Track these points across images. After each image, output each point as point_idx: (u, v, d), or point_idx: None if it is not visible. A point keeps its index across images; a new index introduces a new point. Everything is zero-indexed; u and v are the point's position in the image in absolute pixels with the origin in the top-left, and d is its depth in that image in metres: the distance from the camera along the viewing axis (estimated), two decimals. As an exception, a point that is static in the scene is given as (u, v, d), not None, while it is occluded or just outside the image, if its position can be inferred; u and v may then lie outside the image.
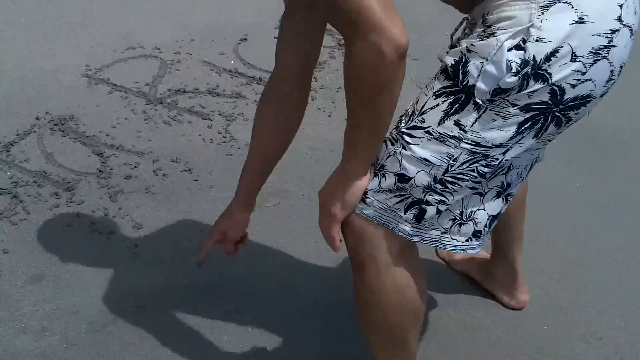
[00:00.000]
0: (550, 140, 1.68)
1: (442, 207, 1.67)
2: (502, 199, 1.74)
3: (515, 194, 1.78)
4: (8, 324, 2.29)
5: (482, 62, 1.53)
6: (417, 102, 1.66)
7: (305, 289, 2.52)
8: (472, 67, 1.54)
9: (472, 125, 1.57)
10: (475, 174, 1.63)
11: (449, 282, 2.60)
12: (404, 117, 1.68)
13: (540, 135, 1.60)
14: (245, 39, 3.94)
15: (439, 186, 1.63)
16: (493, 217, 1.75)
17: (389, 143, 1.67)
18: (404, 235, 1.71)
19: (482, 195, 1.70)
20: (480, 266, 2.57)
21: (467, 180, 1.64)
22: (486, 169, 1.62)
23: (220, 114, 3.35)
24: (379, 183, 1.68)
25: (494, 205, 1.74)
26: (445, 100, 1.59)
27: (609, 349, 2.41)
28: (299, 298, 2.48)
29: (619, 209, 3.07)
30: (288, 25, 1.96)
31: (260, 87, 3.54)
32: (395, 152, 1.65)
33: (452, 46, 1.66)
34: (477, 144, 1.58)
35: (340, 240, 1.77)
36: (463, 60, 1.56)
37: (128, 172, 2.95)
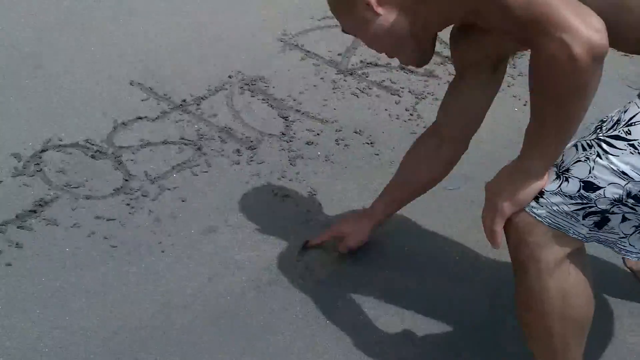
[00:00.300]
0: None
1: (630, 217, 1.55)
2: None
3: None
4: (176, 270, 2.34)
5: None
6: (624, 111, 1.54)
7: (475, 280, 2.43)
8: None
9: None
10: None
11: (633, 294, 2.42)
12: (605, 124, 1.57)
13: None
14: (444, 19, 3.86)
15: (631, 201, 1.52)
16: None
17: (580, 148, 1.57)
18: (579, 238, 1.60)
19: None
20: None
21: None
22: None
23: (410, 91, 3.29)
24: (559, 186, 1.58)
25: None
26: None
27: None
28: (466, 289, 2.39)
29: None
30: (455, 93, 2.06)
31: (454, 68, 3.46)
32: (587, 158, 1.55)
33: None
34: None
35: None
36: None
37: (310, 138, 2.94)
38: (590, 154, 1.54)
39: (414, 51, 1.87)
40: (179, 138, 2.87)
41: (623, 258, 2.49)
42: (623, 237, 1.61)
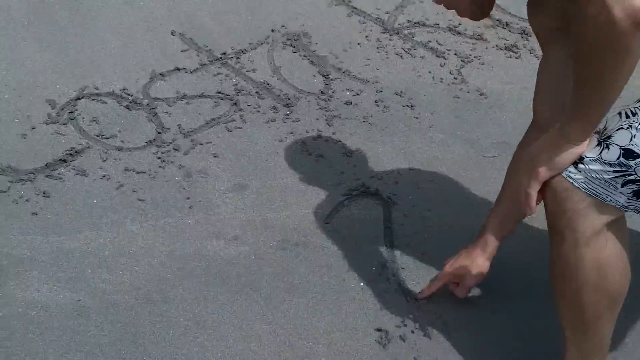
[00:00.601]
0: None
1: None
2: None
3: None
4: (204, 227, 2.31)
5: None
6: None
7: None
8: None
9: None
10: None
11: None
12: None
13: None
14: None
15: None
16: None
17: (623, 115, 1.56)
18: (616, 206, 1.56)
19: None
20: None
21: None
22: None
23: (456, 54, 3.20)
24: (600, 153, 1.55)
25: None
26: None
27: None
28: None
29: None
30: (543, 74, 2.00)
31: (506, 32, 3.35)
32: (630, 126, 1.53)
33: None
34: None
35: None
36: None
37: (349, 98, 2.88)
38: (633, 121, 1.53)
39: (472, 3, 1.85)
40: (216, 92, 2.83)
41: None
42: None
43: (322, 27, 3.23)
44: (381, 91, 2.94)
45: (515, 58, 3.22)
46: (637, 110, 1.55)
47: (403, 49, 3.19)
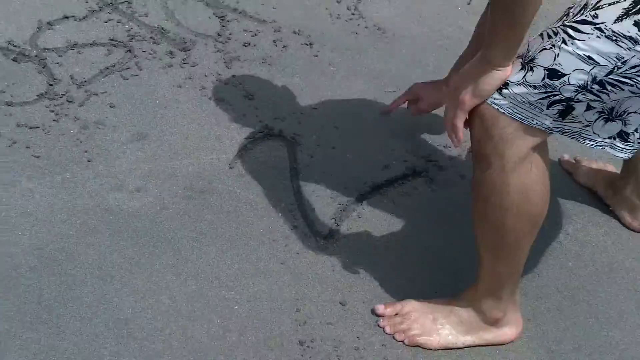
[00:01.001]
0: None
1: (594, 104, 1.55)
2: None
3: None
4: (104, 180, 2.24)
5: None
6: None
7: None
8: None
9: None
10: None
11: (569, 195, 2.39)
12: (572, 9, 1.57)
13: None
14: None
15: (596, 87, 1.51)
16: None
17: (545, 36, 1.56)
18: (542, 128, 1.58)
19: None
20: (606, 181, 2.36)
21: (632, 85, 1.50)
22: None
23: (352, -11, 3.17)
24: (524, 76, 1.56)
25: None
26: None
27: None
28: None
29: None
30: None
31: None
32: (553, 45, 1.53)
33: None
34: None
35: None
36: None
37: (247, 39, 2.82)
38: (556, 41, 1.53)
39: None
40: (108, 39, 2.73)
41: (559, 160, 2.46)
42: (587, 126, 1.59)
43: (214, -33, 3.15)
44: (279, 30, 2.89)
45: (412, -9, 3.22)
46: (558, 29, 1.54)
47: (299, -14, 3.14)
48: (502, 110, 1.58)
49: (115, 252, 2.05)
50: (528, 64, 1.56)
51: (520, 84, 1.56)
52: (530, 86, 1.55)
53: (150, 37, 2.75)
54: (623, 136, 1.60)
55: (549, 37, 1.55)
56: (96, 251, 2.05)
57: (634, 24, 1.45)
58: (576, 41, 1.50)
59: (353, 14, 3.04)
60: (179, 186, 2.26)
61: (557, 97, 1.54)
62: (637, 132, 1.60)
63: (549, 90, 1.54)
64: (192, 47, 2.74)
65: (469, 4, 3.18)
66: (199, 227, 2.15)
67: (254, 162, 2.36)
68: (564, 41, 1.52)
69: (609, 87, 1.50)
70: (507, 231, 1.72)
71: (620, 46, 1.46)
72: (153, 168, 2.30)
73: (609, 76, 1.49)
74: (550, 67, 1.53)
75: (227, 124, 2.47)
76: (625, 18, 1.46)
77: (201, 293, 1.98)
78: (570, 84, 1.51)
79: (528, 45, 1.59)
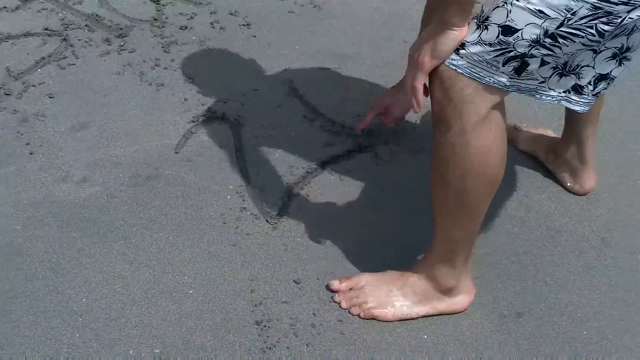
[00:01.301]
0: None
1: (548, 59, 1.58)
2: (617, 60, 1.63)
3: (631, 59, 1.64)
4: (48, 172, 2.22)
5: None
6: None
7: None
8: None
9: None
10: (593, 31, 1.51)
11: (511, 162, 2.43)
12: None
13: None
14: None
15: (548, 40, 1.53)
16: (600, 76, 1.65)
17: None
18: (499, 86, 1.61)
19: (595, 52, 1.60)
20: (547, 145, 2.41)
21: (583, 37, 1.53)
22: (606, 27, 1.51)
23: (286, -32, 3.17)
24: (479, 35, 1.58)
25: (605, 65, 1.63)
26: None
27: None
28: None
29: None
30: None
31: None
32: (505, 2, 1.55)
33: None
34: None
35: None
36: None
37: (184, 23, 2.81)
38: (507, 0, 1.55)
39: None
40: (43, 29, 2.70)
41: (514, 145, 2.50)
42: (542, 82, 1.63)
43: (145, -49, 3.12)
44: (215, 12, 2.88)
45: (344, -33, 3.22)
46: None
47: (232, -34, 3.13)
48: (460, 71, 1.61)
49: (64, 243, 2.04)
50: (483, 23, 1.58)
51: (476, 43, 1.58)
52: (485, 44, 1.57)
53: (86, 25, 2.72)
54: (577, 89, 1.65)
55: None
56: (45, 244, 2.03)
57: None
58: None
59: (288, -7, 3.05)
60: (125, 174, 2.25)
61: (512, 54, 1.57)
62: (590, 85, 1.66)
63: (503, 47, 1.56)
64: (129, 33, 2.72)
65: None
66: (148, 214, 2.14)
67: (199, 146, 2.36)
68: None
69: (560, 40, 1.53)
70: (467, 193, 1.75)
71: None
72: (97, 157, 2.28)
73: (560, 29, 1.52)
74: (503, 23, 1.55)
75: (170, 109, 2.47)
76: None
77: (155, 280, 1.97)
78: (523, 38, 1.54)
79: (482, 7, 1.62)
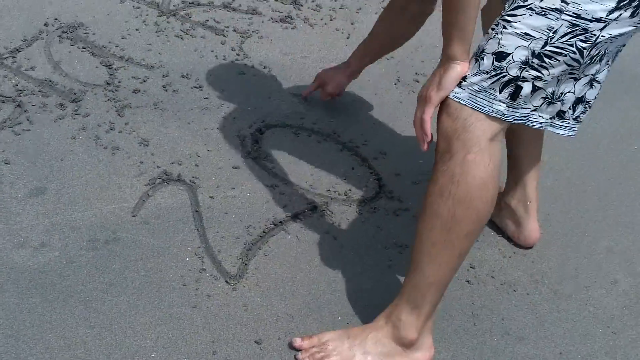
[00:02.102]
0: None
1: (538, 84, 1.75)
2: (590, 84, 1.84)
3: (601, 81, 1.86)
4: (6, 238, 2.22)
5: None
6: None
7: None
8: None
9: None
10: (573, 49, 1.71)
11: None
12: (507, 3, 1.78)
13: (636, 13, 1.69)
14: (264, -47, 3.78)
15: (536, 61, 1.72)
16: (577, 100, 1.84)
17: (490, 30, 1.78)
18: (498, 115, 1.76)
19: (576, 80, 1.80)
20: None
21: (565, 55, 1.72)
22: (584, 44, 1.71)
23: (234, 30, 3.24)
24: (478, 65, 1.77)
25: (581, 90, 1.84)
26: None
27: (628, 295, 2.34)
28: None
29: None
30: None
31: (278, 4, 3.43)
32: (495, 34, 1.75)
33: None
34: (578, 16, 1.68)
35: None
36: None
37: (137, 86, 2.85)
38: (498, 30, 1.76)
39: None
40: (-4, 95, 2.71)
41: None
42: (534, 110, 1.80)
43: (97, 17, 3.16)
44: (167, 75, 2.93)
45: (292, 29, 3.31)
46: (499, 21, 1.76)
47: (182, 30, 3.18)
48: (464, 102, 1.78)
49: (24, 310, 2.03)
50: (479, 55, 1.77)
51: (475, 74, 1.77)
52: (483, 73, 1.76)
53: (39, 91, 2.74)
54: (560, 114, 1.85)
55: (493, 29, 1.77)
56: (5, 310, 2.02)
57: None
58: (513, 23, 1.73)
59: (238, 55, 3.11)
60: (83, 238, 2.26)
61: (506, 78, 1.74)
62: (571, 110, 1.86)
63: (498, 72, 1.74)
64: (83, 98, 2.75)
65: (347, 38, 3.29)
66: (107, 278, 2.16)
67: (157, 209, 2.39)
68: (504, 27, 1.74)
69: (546, 60, 1.72)
70: (454, 225, 1.83)
71: (549, 18, 1.69)
72: (55, 222, 2.29)
73: (545, 48, 1.71)
74: (496, 51, 1.74)
75: (126, 172, 2.49)
76: None
77: (117, 344, 1.98)
78: (514, 61, 1.73)
79: (478, 45, 1.80)
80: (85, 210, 2.34)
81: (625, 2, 1.67)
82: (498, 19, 1.77)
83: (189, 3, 3.35)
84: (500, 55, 1.74)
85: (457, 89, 1.79)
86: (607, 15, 1.68)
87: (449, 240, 1.85)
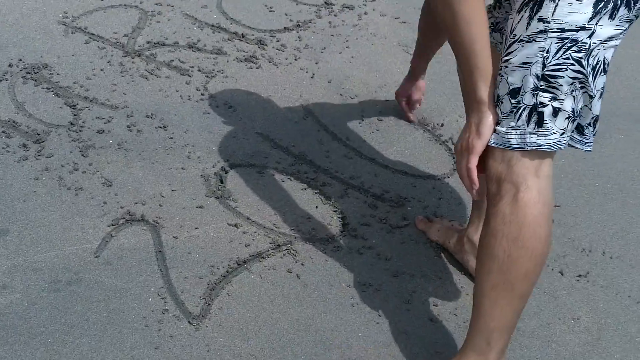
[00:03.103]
0: (625, 30, 1.83)
1: (556, 104, 1.82)
2: (600, 99, 1.90)
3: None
4: (-33, 280, 2.21)
5: None
6: (507, 30, 1.89)
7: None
8: None
9: (552, 15, 1.77)
10: (571, 61, 1.79)
11: (425, 255, 2.54)
12: (503, 49, 1.90)
13: (614, 15, 1.78)
14: (229, -7, 3.82)
15: (543, 83, 1.81)
16: (596, 118, 1.92)
17: (497, 77, 1.88)
18: (534, 147, 1.85)
19: (591, 97, 1.85)
20: (459, 236, 2.51)
21: (566, 70, 1.80)
22: (580, 54, 1.79)
23: (199, 70, 3.26)
24: (500, 110, 1.87)
25: (597, 107, 1.89)
26: (526, 9, 1.82)
27: (590, 331, 2.37)
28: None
29: (603, 188, 3.02)
30: None
31: (243, 44, 3.45)
32: (501, 76, 1.86)
33: None
34: (562, 30, 1.77)
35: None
36: None
37: (101, 127, 2.85)
38: (502, 72, 1.87)
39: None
40: (-42, 136, 2.71)
41: (415, 219, 2.63)
42: (563, 134, 1.86)
43: (61, 57, 3.17)
44: (132, 115, 2.94)
45: (256, 68, 3.33)
46: (500, 65, 1.88)
47: (147, 70, 3.20)
48: (502, 146, 1.87)
49: (-17, 355, 2.03)
50: (497, 101, 1.88)
51: (502, 119, 1.86)
52: (508, 114, 1.85)
53: (2, 131, 2.73)
54: (580, 129, 1.93)
55: (499, 74, 1.88)
56: (-37, 356, 2.01)
57: (538, 20, 1.79)
58: (510, 59, 1.84)
59: (203, 95, 3.12)
60: (45, 280, 2.25)
61: (526, 110, 1.83)
62: (590, 126, 1.93)
63: (518, 106, 1.84)
64: (46, 138, 2.74)
65: (312, 77, 3.33)
66: (69, 320, 2.15)
67: (119, 249, 2.39)
68: (505, 67, 1.86)
69: (552, 80, 1.81)
70: (512, 265, 1.88)
71: (538, 41, 1.80)
72: (17, 263, 2.28)
73: (545, 69, 1.80)
74: (509, 90, 1.84)
75: (89, 213, 2.49)
76: (531, 22, 1.81)
77: (78, 386, 1.98)
78: (526, 92, 1.82)
79: (494, 93, 1.89)
80: (48, 252, 2.34)
81: (600, 6, 1.76)
82: (500, 63, 1.88)
83: (154, 43, 3.36)
84: (513, 92, 1.84)
85: (494, 136, 1.88)
86: (589, 22, 1.77)
87: (507, 281, 1.89)
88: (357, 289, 2.38)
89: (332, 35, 3.64)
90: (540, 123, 1.83)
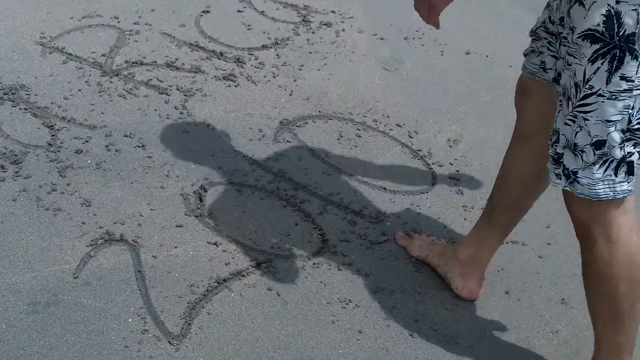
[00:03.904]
0: None
1: None
2: None
3: None
4: (-56, 303, 2.20)
5: (636, 9, 1.66)
6: (574, 75, 1.80)
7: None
8: (627, 17, 1.68)
9: (637, 73, 1.72)
10: None
11: (404, 270, 2.55)
12: (572, 94, 1.82)
13: None
14: (207, 11, 3.80)
15: (628, 134, 1.80)
16: None
17: (570, 123, 1.83)
18: (625, 194, 1.86)
19: None
20: (441, 251, 2.52)
21: None
22: None
23: (178, 89, 3.26)
24: (582, 159, 1.84)
25: None
26: (603, 61, 1.73)
27: (569, 344, 2.38)
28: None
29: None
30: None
31: (221, 62, 3.46)
32: (580, 127, 1.81)
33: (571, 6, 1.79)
34: None
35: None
36: (614, 13, 1.68)
37: (79, 147, 2.85)
38: (579, 122, 1.81)
39: None
40: None
41: (395, 235, 2.64)
42: None
43: (39, 78, 3.16)
44: (110, 135, 2.93)
45: (235, 86, 3.34)
46: (574, 113, 1.82)
47: (125, 89, 3.19)
48: (589, 197, 1.86)
49: (-38, 378, 2.01)
50: (575, 150, 1.84)
51: (584, 169, 1.85)
52: (591, 165, 1.83)
53: (-21, 153, 2.73)
54: None
55: (573, 122, 1.83)
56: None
57: (620, 79, 1.74)
58: (591, 114, 1.79)
59: (182, 113, 3.13)
60: (23, 302, 2.24)
61: (615, 162, 1.83)
62: None
63: (604, 158, 1.82)
64: (24, 159, 2.73)
65: (290, 95, 3.33)
66: (48, 342, 2.14)
67: (98, 269, 2.38)
68: (584, 119, 1.80)
69: (638, 132, 1.80)
70: (621, 299, 1.93)
71: (623, 99, 1.76)
72: (-5, 286, 2.27)
73: (631, 124, 1.79)
74: (592, 142, 1.81)
75: (67, 234, 2.48)
76: (612, 77, 1.74)
77: (57, 409, 1.96)
78: (613, 145, 1.80)
79: (564, 136, 1.87)
80: (26, 273, 2.32)
81: None
82: (570, 111, 1.83)
83: (132, 63, 3.36)
84: (599, 144, 1.81)
85: (576, 185, 1.86)
86: None
87: (620, 311, 1.97)
88: (337, 305, 2.38)
89: (310, 53, 3.65)
90: (630, 172, 1.85)
